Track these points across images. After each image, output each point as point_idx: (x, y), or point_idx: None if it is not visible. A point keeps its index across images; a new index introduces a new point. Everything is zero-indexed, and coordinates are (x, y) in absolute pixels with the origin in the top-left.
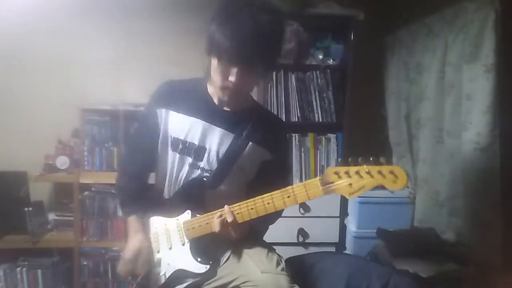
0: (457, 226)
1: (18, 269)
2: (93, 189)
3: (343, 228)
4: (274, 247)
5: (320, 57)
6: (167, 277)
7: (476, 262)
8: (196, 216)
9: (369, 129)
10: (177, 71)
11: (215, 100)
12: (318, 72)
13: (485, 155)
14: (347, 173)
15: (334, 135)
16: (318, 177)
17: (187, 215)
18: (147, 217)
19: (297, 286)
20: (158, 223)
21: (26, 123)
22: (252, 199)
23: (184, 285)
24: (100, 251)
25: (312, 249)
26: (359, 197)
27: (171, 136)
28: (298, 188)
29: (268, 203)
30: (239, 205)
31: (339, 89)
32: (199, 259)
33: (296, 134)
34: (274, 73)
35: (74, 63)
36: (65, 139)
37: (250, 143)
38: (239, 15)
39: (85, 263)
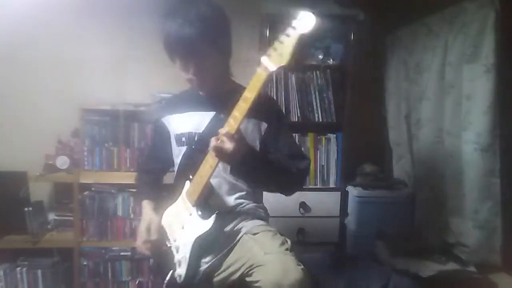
0: (457, 226)
1: (18, 269)
2: (93, 189)
3: (343, 228)
4: None
5: (320, 57)
6: (188, 258)
7: (476, 262)
8: (191, 179)
9: (369, 129)
10: (177, 71)
11: (201, 93)
12: (318, 72)
13: (485, 155)
14: (274, 48)
15: (334, 135)
16: (257, 68)
17: (187, 184)
18: (160, 205)
19: (302, 266)
20: (169, 213)
21: (26, 123)
22: None
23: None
24: (100, 251)
25: (312, 249)
26: (359, 197)
27: (175, 135)
28: (249, 86)
29: (244, 101)
30: (226, 123)
31: (339, 89)
32: (205, 216)
33: (296, 134)
34: (274, 73)
35: (74, 63)
36: (65, 139)
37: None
38: (175, 14)
39: (85, 263)
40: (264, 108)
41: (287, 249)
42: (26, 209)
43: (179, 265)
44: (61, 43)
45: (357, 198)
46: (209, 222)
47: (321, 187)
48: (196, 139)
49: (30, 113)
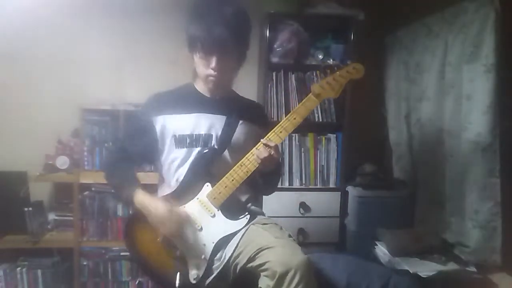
0: (457, 226)
1: (18, 269)
2: (93, 189)
3: (343, 228)
4: None
5: (320, 57)
6: (208, 258)
7: (476, 262)
8: (214, 183)
9: (369, 129)
10: (177, 71)
11: (206, 94)
12: (318, 72)
13: (485, 155)
14: (328, 83)
15: (334, 135)
16: (309, 94)
17: (207, 187)
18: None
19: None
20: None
21: (26, 123)
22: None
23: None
24: (100, 251)
25: (312, 249)
26: (359, 197)
27: (175, 136)
28: (300, 106)
29: (295, 118)
30: (269, 134)
31: None
32: (233, 217)
33: (296, 134)
34: (274, 73)
35: (74, 63)
36: (65, 139)
37: (241, 121)
38: (210, 11)
39: (85, 263)
40: (255, 114)
41: (294, 240)
42: (26, 209)
43: (197, 267)
44: (61, 43)
45: (357, 198)
46: (242, 222)
47: (321, 187)
48: (211, 142)
49: (30, 113)
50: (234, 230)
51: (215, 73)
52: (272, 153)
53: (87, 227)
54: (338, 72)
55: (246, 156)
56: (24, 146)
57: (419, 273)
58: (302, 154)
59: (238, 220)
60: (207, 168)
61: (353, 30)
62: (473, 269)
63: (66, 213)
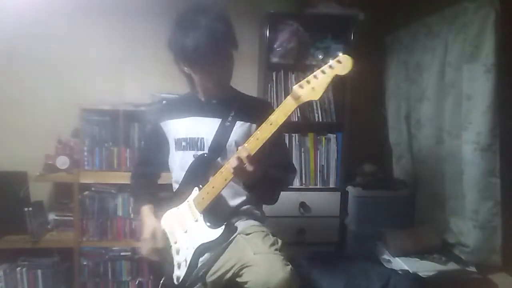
0: (457, 226)
1: (18, 269)
2: (93, 189)
3: (343, 228)
4: None
5: (320, 57)
6: (188, 262)
7: (476, 262)
8: (201, 187)
9: (369, 129)
10: (177, 71)
11: (201, 98)
12: None
13: (485, 155)
14: (308, 81)
15: (334, 135)
16: (288, 96)
17: (195, 192)
18: (158, 208)
19: (290, 266)
20: (170, 215)
21: (26, 123)
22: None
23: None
24: (100, 251)
25: (312, 249)
26: (359, 197)
27: (175, 139)
28: (277, 111)
29: (271, 124)
30: (247, 141)
31: (339, 89)
32: (213, 226)
33: (296, 134)
34: (274, 73)
35: (74, 63)
36: (65, 139)
37: (239, 122)
38: (190, 22)
39: (85, 263)
40: (259, 112)
41: (276, 250)
42: (26, 209)
43: (179, 267)
44: (61, 43)
45: (357, 198)
46: (217, 232)
47: (321, 187)
48: (203, 145)
49: (30, 113)
50: (212, 239)
51: (218, 84)
52: (244, 165)
53: (87, 227)
54: (319, 70)
55: (228, 161)
56: (24, 146)
57: (419, 273)
58: (302, 154)
59: (215, 230)
60: (203, 171)
61: (353, 30)
62: (473, 269)
63: (66, 213)
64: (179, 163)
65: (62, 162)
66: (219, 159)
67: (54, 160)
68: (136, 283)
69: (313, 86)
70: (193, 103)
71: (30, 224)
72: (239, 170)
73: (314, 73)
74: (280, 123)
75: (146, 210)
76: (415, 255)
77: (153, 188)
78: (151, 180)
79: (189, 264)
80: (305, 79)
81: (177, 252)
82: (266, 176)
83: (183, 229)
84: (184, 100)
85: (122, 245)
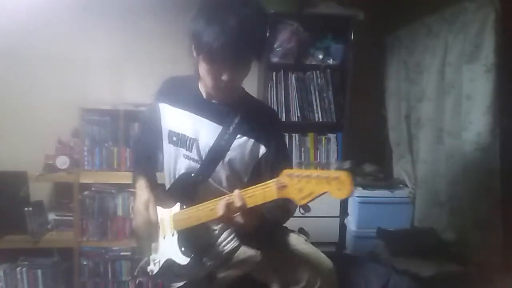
0: (457, 226)
1: (18, 269)
2: (93, 189)
3: (343, 228)
4: None
5: (320, 57)
6: (160, 265)
7: (476, 262)
8: (184, 208)
9: (369, 129)
10: (177, 71)
11: (204, 95)
12: (318, 72)
13: (485, 155)
14: (298, 176)
15: (334, 135)
16: (275, 179)
17: (177, 207)
18: (154, 186)
19: None
20: (161, 211)
21: (26, 123)
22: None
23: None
24: (100, 251)
25: None
26: (359, 197)
27: (168, 130)
28: (259, 190)
29: (250, 197)
30: (248, 189)
31: (339, 89)
32: (183, 250)
33: (296, 134)
34: (274, 73)
35: (74, 63)
36: (65, 139)
37: (239, 135)
38: (223, 13)
39: (85, 263)
40: (261, 125)
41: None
42: (26, 209)
43: (154, 263)
44: (61, 43)
45: (357, 198)
46: (184, 260)
47: None
48: (192, 146)
49: (30, 113)
50: (177, 261)
51: (226, 84)
52: (234, 216)
53: (87, 227)
54: (317, 173)
55: (223, 197)
56: (24, 146)
57: (419, 273)
58: (302, 154)
59: (182, 255)
60: (189, 190)
61: (353, 30)
62: (473, 269)
63: (66, 213)
64: (168, 157)
65: (62, 162)
66: (210, 179)
67: (54, 160)
68: (136, 283)
69: (301, 187)
70: (193, 96)
71: (30, 224)
72: (226, 220)
73: (310, 173)
74: (258, 203)
75: (142, 182)
76: (415, 255)
77: (151, 163)
78: (150, 155)
79: (159, 268)
80: (299, 172)
81: (155, 250)
82: (270, 226)
83: (162, 234)
84: (185, 86)
85: (122, 245)
